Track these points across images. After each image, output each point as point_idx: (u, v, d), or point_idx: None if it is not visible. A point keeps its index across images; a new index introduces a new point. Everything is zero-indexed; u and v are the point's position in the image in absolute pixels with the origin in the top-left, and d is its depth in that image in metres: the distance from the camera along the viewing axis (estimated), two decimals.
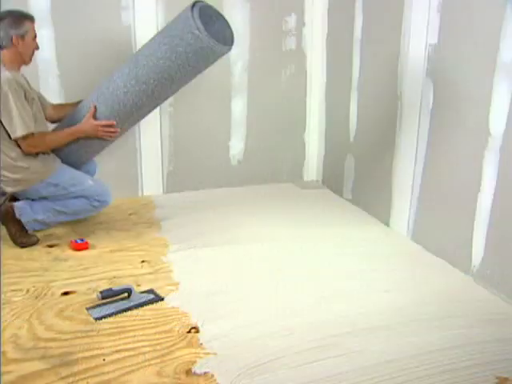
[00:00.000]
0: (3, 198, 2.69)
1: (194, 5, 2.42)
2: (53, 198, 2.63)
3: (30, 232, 2.61)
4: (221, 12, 2.58)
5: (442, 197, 2.48)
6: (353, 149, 3.30)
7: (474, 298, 2.13)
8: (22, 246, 2.56)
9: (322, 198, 3.48)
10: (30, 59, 2.59)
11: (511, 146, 2.05)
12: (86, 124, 2.61)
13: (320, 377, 1.60)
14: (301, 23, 3.53)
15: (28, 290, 2.12)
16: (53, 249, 2.55)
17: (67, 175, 2.64)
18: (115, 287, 2.06)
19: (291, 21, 3.51)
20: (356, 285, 2.21)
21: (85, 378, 1.58)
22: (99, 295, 1.98)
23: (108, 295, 2.00)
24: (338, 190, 3.54)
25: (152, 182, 3.42)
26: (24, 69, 2.98)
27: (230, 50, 2.56)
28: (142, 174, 3.41)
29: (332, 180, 3.62)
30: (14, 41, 2.44)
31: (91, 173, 2.90)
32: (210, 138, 3.49)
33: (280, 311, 1.98)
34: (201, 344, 1.76)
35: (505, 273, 2.11)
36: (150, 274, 2.30)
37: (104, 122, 2.62)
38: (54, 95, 3.07)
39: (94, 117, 2.61)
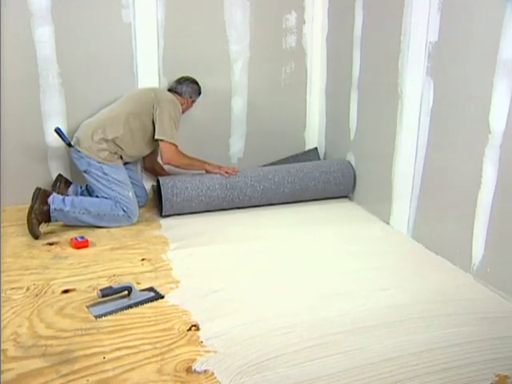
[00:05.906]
0: (57, 186, 2.97)
1: None
2: (93, 184, 2.85)
3: (41, 228, 2.66)
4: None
5: (443, 195, 2.48)
6: (353, 147, 3.30)
7: (473, 296, 2.13)
8: (29, 226, 2.60)
9: None
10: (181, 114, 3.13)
11: (511, 144, 2.05)
12: (215, 169, 3.07)
13: (320, 375, 1.60)
14: (301, 21, 3.52)
15: (28, 288, 2.12)
16: (53, 247, 2.55)
17: (120, 175, 2.87)
18: (115, 285, 2.07)
19: (291, 18, 3.50)
20: (356, 283, 2.21)
21: (85, 376, 1.58)
22: (99, 293, 1.98)
23: (108, 293, 2.00)
24: None
25: (152, 179, 3.42)
26: (23, 67, 3.00)
27: None
28: (142, 172, 3.41)
29: None
30: (187, 98, 3.16)
31: (140, 199, 3.07)
32: (209, 136, 3.49)
33: (280, 309, 1.98)
34: (201, 342, 1.76)
35: (505, 271, 2.11)
36: (150, 272, 2.30)
37: (228, 169, 3.09)
38: (53, 93, 3.07)
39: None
